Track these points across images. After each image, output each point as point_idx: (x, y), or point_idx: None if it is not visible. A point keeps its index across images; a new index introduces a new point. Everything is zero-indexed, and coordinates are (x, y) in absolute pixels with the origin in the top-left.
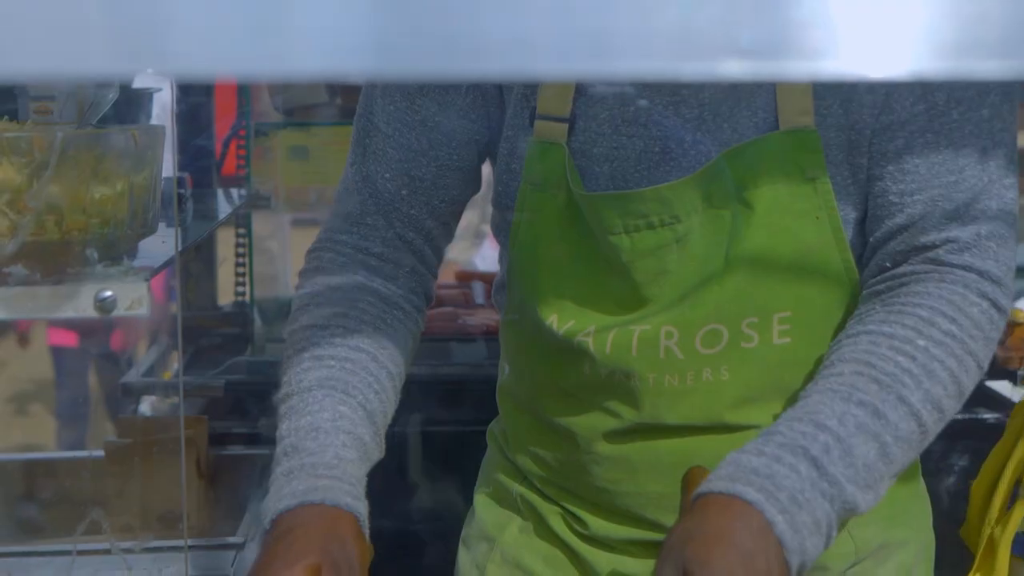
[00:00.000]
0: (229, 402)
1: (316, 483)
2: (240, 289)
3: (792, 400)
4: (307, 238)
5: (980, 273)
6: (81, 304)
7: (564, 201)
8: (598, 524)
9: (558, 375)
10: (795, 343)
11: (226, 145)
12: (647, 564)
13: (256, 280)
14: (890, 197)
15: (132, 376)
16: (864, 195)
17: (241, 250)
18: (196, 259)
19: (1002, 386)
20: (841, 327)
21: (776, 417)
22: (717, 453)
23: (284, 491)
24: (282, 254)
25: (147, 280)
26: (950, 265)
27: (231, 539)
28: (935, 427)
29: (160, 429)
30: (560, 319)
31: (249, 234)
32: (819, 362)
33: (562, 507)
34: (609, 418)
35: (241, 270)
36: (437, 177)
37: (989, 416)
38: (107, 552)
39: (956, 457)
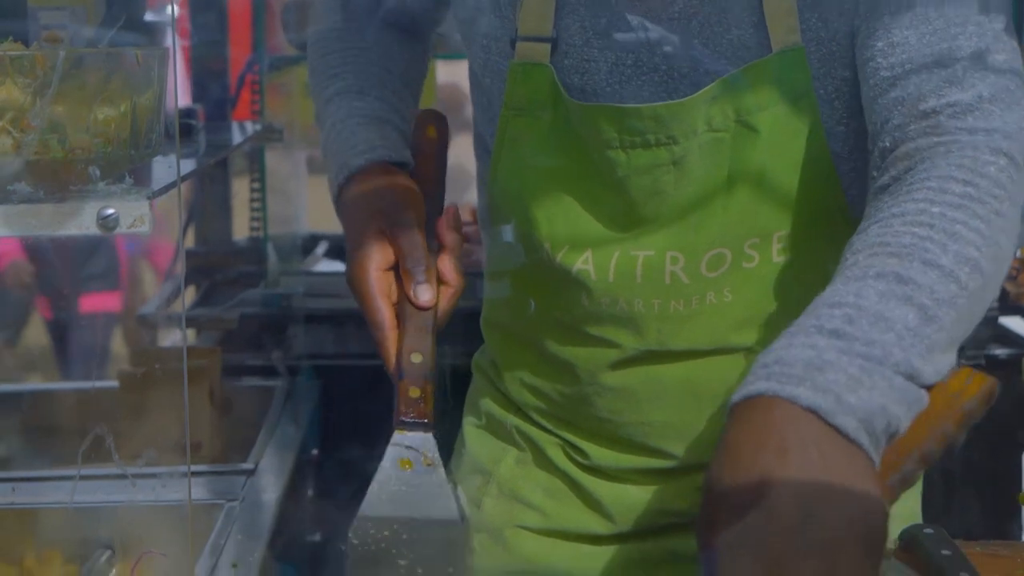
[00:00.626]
0: (243, 334)
1: (372, 143)
2: (255, 224)
3: (794, 317)
4: (323, 177)
5: (988, 132)
6: (84, 222)
7: (549, 123)
8: (599, 453)
9: (555, 307)
10: (792, 260)
11: (241, 80)
12: (650, 491)
13: (270, 217)
14: (882, 73)
15: (148, 308)
16: (847, 109)
17: (255, 184)
18: (211, 194)
19: (1014, 322)
20: (833, 239)
21: (777, 335)
22: (721, 376)
23: (335, 164)
24: (296, 190)
25: (149, 198)
26: (955, 132)
27: (242, 465)
28: (982, 288)
29: (174, 359)
30: (554, 245)
31: (262, 169)
32: (818, 276)
33: (561, 438)
34: (611, 349)
35: (256, 205)
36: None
37: (1001, 352)
38: (120, 477)
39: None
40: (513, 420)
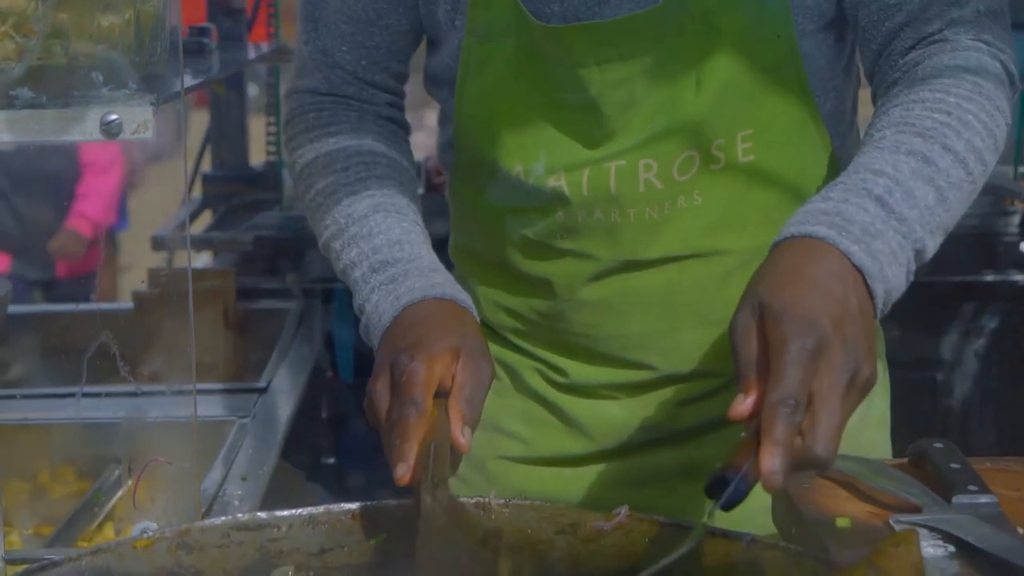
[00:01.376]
0: (258, 257)
1: (431, 280)
2: (271, 148)
3: (764, 220)
4: None
5: (987, 43)
6: (87, 128)
7: (513, 49)
8: (577, 370)
9: (527, 227)
10: (758, 160)
11: (257, 2)
12: (629, 408)
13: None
14: (887, 0)
15: (163, 230)
16: (819, 13)
17: (271, 109)
18: (227, 119)
19: None
20: (801, 146)
21: (750, 240)
22: (696, 283)
23: (399, 291)
24: None
25: (153, 104)
26: (959, 39)
27: (255, 384)
28: (980, 177)
29: (186, 280)
30: (526, 167)
31: (277, 94)
32: (784, 177)
33: (538, 359)
34: (588, 261)
35: (271, 130)
36: (391, 43)
37: (1020, 278)
38: (131, 395)
39: (987, 319)
40: (491, 348)
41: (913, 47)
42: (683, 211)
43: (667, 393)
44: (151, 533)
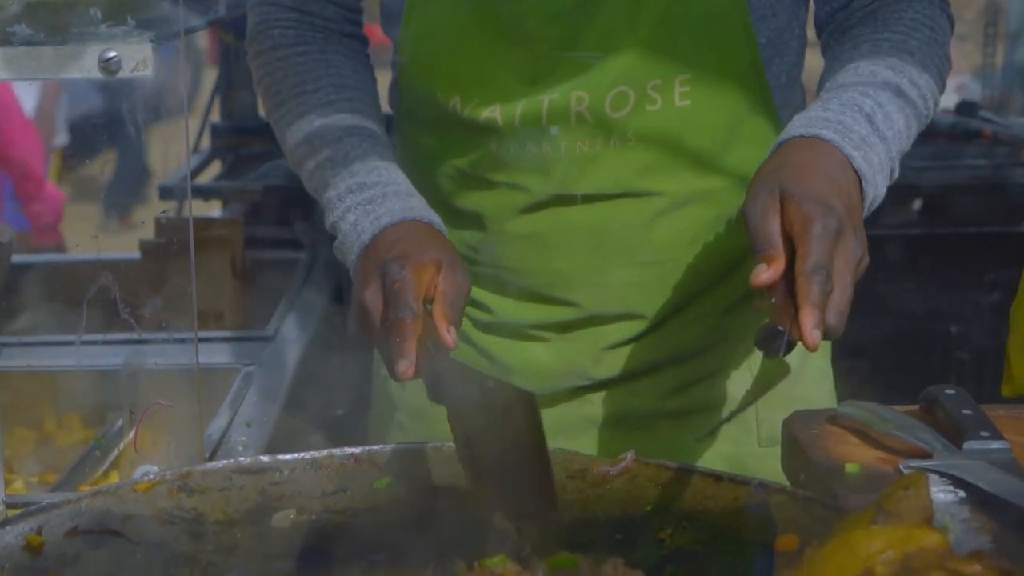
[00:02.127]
0: (267, 207)
1: (409, 203)
2: None
3: (696, 166)
4: None
5: None
6: (86, 65)
7: None
8: (504, 307)
9: (461, 159)
10: (695, 106)
11: None
12: (555, 350)
13: None
14: None
15: (170, 179)
16: None
17: None
18: (235, 69)
19: None
20: (740, 96)
21: (682, 184)
22: (626, 222)
23: (379, 212)
24: None
25: (153, 42)
26: None
27: (261, 332)
28: (929, 116)
29: (195, 229)
30: (463, 99)
31: None
32: (720, 127)
33: None
34: (519, 194)
35: None
36: None
37: None
38: (137, 343)
39: (1002, 271)
40: None
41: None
42: (616, 149)
43: (593, 334)
44: (152, 476)
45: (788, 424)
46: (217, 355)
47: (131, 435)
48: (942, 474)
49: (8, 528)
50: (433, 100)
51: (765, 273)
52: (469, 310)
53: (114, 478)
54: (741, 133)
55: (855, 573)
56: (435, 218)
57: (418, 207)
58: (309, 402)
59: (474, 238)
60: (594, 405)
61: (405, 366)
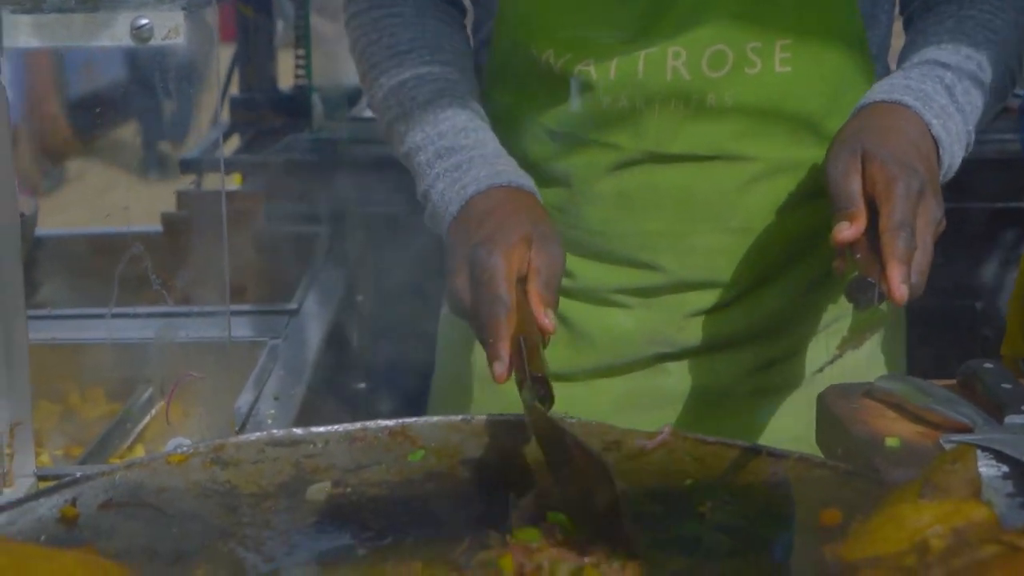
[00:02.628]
0: (288, 181)
1: (496, 168)
2: (299, 72)
3: (793, 133)
4: None
5: None
6: (117, 32)
7: None
8: (587, 271)
9: (550, 116)
10: (795, 72)
11: None
12: (638, 317)
13: (315, 68)
14: None
15: (192, 152)
16: None
17: (299, 32)
18: (254, 41)
19: None
20: (841, 66)
21: (778, 150)
22: (716, 185)
23: (465, 180)
24: (342, 39)
25: (185, 8)
26: None
27: (286, 306)
28: (1005, 97)
29: (216, 202)
30: (557, 52)
31: (307, 16)
32: (820, 95)
33: None
34: (609, 152)
35: (300, 52)
36: None
37: None
38: (162, 316)
39: None
40: None
41: None
42: (712, 110)
43: (676, 301)
44: (185, 448)
45: (824, 398)
46: (241, 328)
47: (157, 408)
48: (984, 448)
49: (42, 500)
50: (526, 54)
51: (847, 230)
52: None
53: (140, 452)
54: (841, 103)
55: (903, 547)
56: (525, 181)
57: (506, 171)
58: (336, 375)
59: (559, 199)
60: (672, 377)
61: (500, 369)
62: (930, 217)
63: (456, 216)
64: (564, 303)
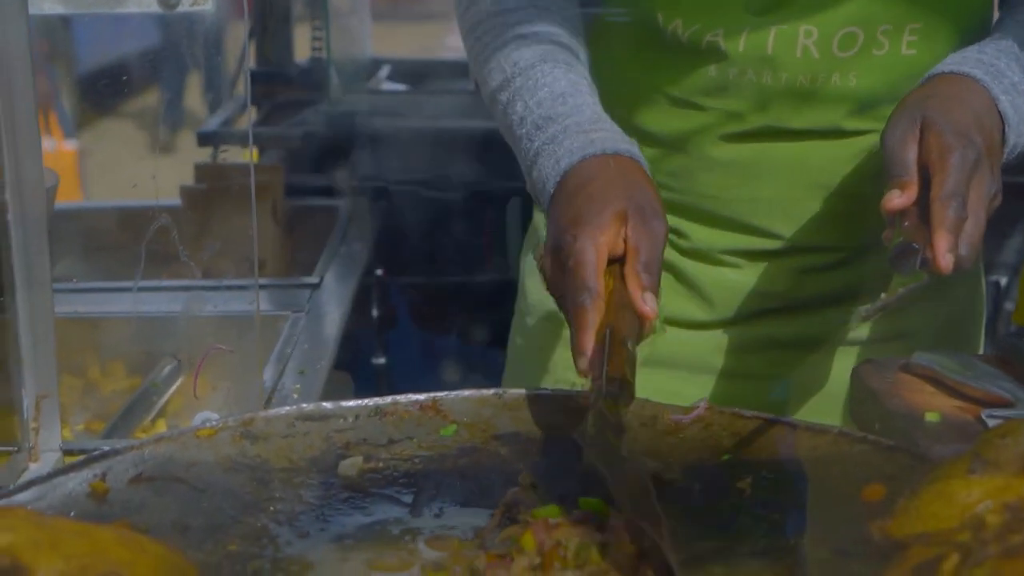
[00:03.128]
0: (306, 154)
1: (590, 136)
2: (316, 45)
3: None
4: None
5: None
6: None
7: None
8: (701, 234)
9: (671, 83)
10: (920, 55)
11: None
12: (750, 275)
13: (332, 40)
14: None
15: (209, 125)
16: None
17: (316, 12)
18: (271, 14)
19: None
20: (965, 46)
21: None
22: (834, 158)
23: (559, 153)
24: (358, 11)
25: None
26: None
27: (307, 279)
28: None
29: (235, 175)
30: (685, 22)
31: None
32: None
33: None
34: (730, 121)
35: (317, 24)
36: None
37: None
38: (184, 289)
39: None
40: None
41: None
42: (836, 88)
43: (788, 262)
44: (213, 422)
45: (859, 373)
46: (263, 302)
47: (179, 382)
48: None
49: (71, 475)
50: (650, 21)
51: (898, 199)
52: None
53: (162, 426)
54: None
55: (954, 524)
56: (625, 146)
57: (601, 138)
58: (360, 349)
59: (673, 164)
60: (780, 326)
61: (583, 364)
62: (984, 190)
63: (552, 194)
64: (675, 257)
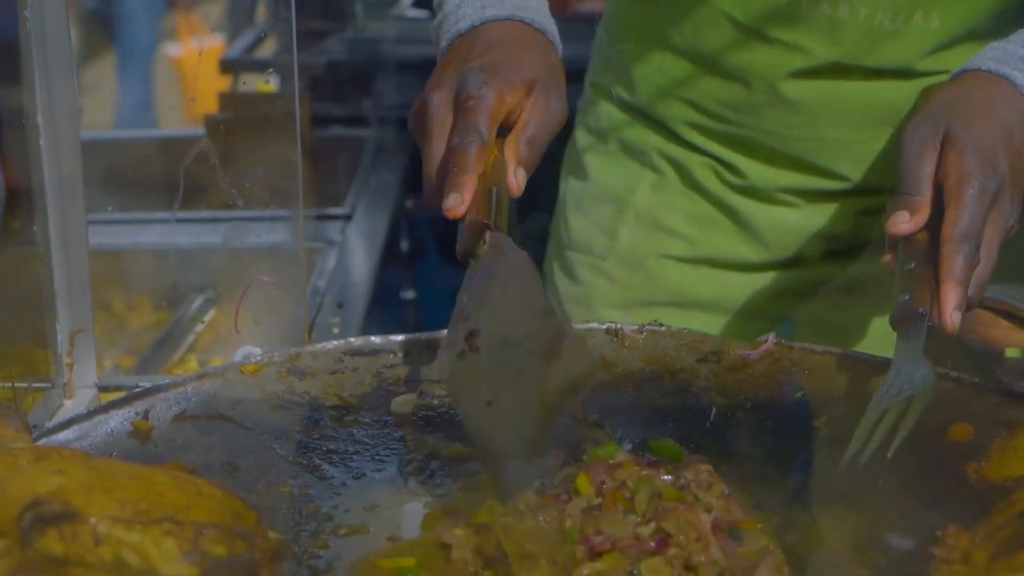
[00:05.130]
0: (331, 82)
1: (525, 3)
2: None
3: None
4: None
5: None
6: None
7: None
8: (757, 172)
9: (739, 9)
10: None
11: None
12: (808, 215)
13: None
14: None
15: (233, 53)
16: None
17: None
18: None
19: None
20: None
21: (965, 60)
22: (901, 98)
23: (488, 1)
24: None
25: None
26: None
27: (338, 210)
28: None
29: (259, 104)
30: None
31: None
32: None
33: (712, 156)
34: (797, 55)
35: None
36: None
37: None
38: (214, 221)
39: None
40: (654, 140)
41: None
42: (915, 29)
43: (849, 203)
44: (256, 357)
45: None
46: (293, 235)
47: (209, 317)
48: None
49: (112, 412)
50: None
51: (905, 223)
52: (720, 170)
53: (192, 362)
54: None
55: None
56: (551, 27)
57: (534, 7)
58: (398, 281)
59: (735, 97)
60: (836, 269)
61: (455, 202)
62: (999, 226)
63: (464, 33)
64: (727, 194)
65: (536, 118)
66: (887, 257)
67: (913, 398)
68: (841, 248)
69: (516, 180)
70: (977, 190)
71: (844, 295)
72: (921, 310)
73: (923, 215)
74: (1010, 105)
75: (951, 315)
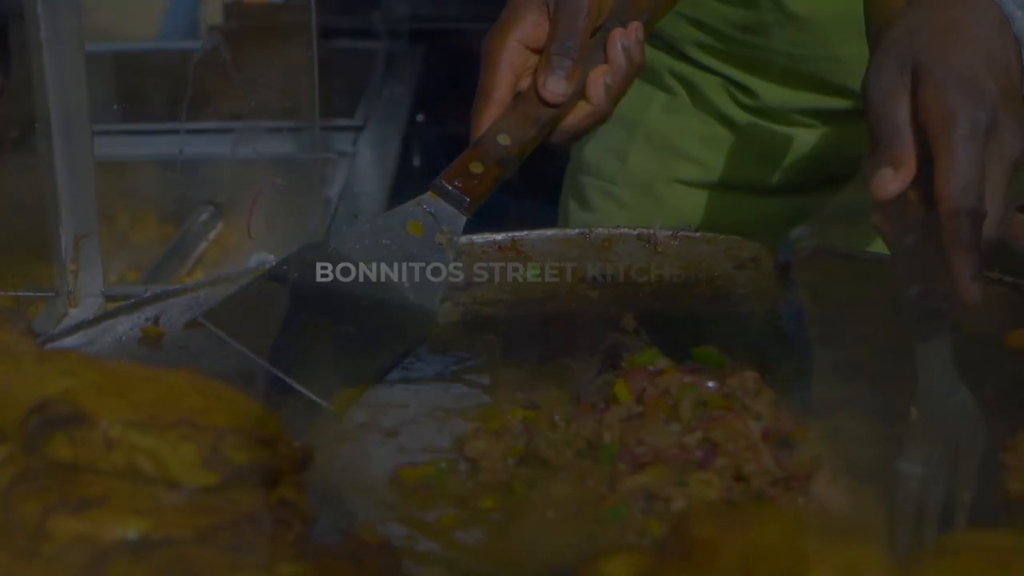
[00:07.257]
0: None
1: None
2: None
3: None
4: None
5: None
6: None
7: None
8: (771, 93)
9: None
10: None
11: None
12: (824, 136)
13: None
14: None
15: None
16: None
17: None
18: None
19: None
20: None
21: None
22: None
23: None
24: None
25: None
26: None
27: (351, 122)
28: None
29: (267, 14)
30: None
31: None
32: None
33: (725, 77)
34: None
35: None
36: None
37: None
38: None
39: None
40: (666, 60)
41: None
42: None
43: (862, 122)
44: (271, 264)
45: None
46: (305, 147)
47: (217, 230)
48: None
49: (121, 318)
50: None
51: (891, 182)
52: (733, 91)
53: (199, 273)
54: None
55: None
56: None
57: None
58: (401, 198)
59: (743, 17)
60: (852, 191)
61: (562, 85)
62: (1004, 162)
63: None
64: (742, 116)
65: (561, 22)
66: (875, 217)
67: (958, 445)
68: (857, 170)
69: (548, 89)
70: (967, 127)
71: (864, 218)
72: (938, 306)
73: (909, 168)
74: (982, 19)
75: (968, 288)
